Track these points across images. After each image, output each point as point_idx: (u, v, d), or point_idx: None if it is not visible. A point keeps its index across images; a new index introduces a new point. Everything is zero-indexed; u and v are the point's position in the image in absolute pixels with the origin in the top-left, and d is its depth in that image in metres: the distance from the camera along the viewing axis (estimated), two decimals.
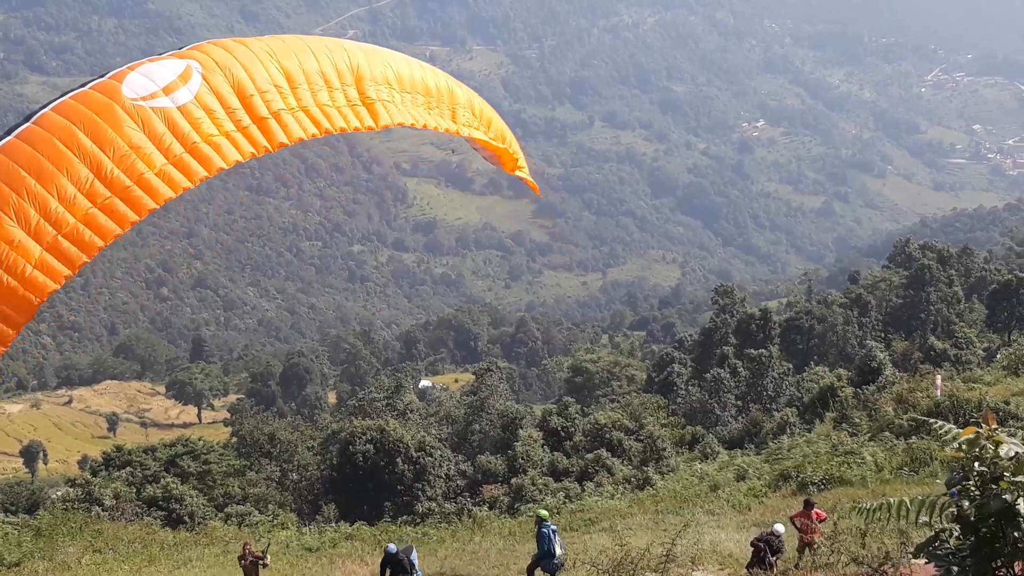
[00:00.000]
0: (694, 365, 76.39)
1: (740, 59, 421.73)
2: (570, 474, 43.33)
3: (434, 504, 42.87)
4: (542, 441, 48.61)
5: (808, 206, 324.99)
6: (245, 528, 33.94)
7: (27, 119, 7.76)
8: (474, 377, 76.92)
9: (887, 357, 56.57)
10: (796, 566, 17.23)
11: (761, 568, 16.64)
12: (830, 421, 42.64)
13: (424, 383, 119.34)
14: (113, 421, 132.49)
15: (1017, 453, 7.21)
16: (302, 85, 8.82)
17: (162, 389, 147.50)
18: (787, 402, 60.20)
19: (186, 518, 38.17)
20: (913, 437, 30.30)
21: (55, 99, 7.94)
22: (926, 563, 8.04)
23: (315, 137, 8.81)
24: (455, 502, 43.07)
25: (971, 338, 69.12)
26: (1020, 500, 7.03)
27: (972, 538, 7.31)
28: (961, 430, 7.69)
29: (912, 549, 12.40)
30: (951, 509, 7.47)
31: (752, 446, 46.68)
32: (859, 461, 28.31)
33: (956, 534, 7.47)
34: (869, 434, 34.81)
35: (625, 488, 37.03)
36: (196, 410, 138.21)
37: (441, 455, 49.25)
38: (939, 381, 38.11)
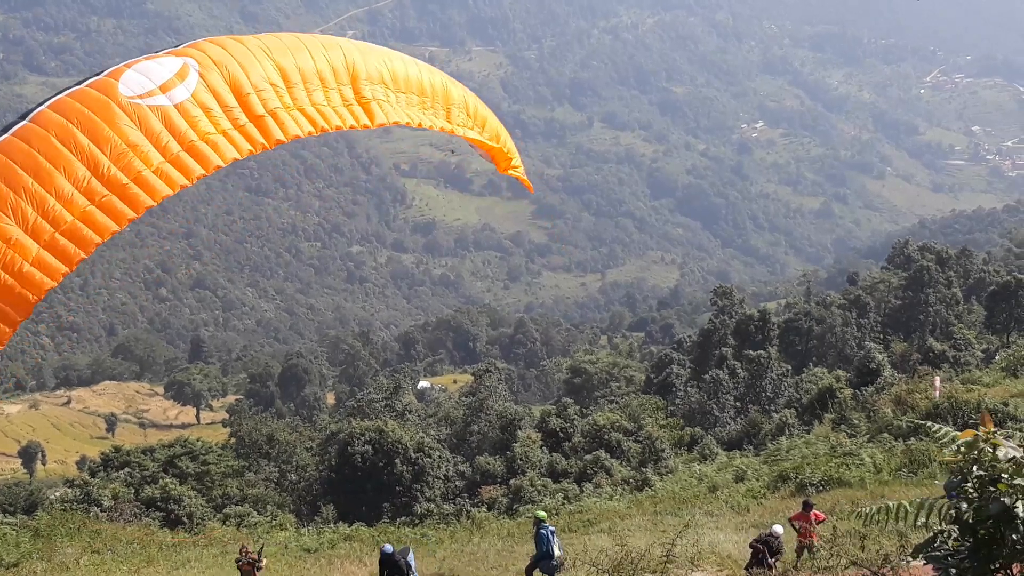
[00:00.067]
0: (693, 366, 76.34)
1: (739, 60, 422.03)
2: (569, 475, 43.35)
3: (433, 505, 42.88)
4: (541, 442, 48.58)
5: (807, 207, 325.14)
6: (244, 529, 33.89)
7: (23, 117, 7.74)
8: (473, 378, 76.93)
9: (886, 358, 56.66)
10: (795, 567, 17.22)
11: (760, 569, 16.63)
12: (829, 422, 42.62)
13: (423, 384, 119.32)
14: (112, 422, 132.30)
15: (1015, 456, 7.22)
16: (298, 84, 8.82)
17: (161, 390, 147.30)
18: (786, 403, 60.22)
19: (185, 519, 38.15)
20: (912, 438, 30.27)
21: (52, 97, 7.90)
22: (924, 565, 8.04)
23: (311, 135, 8.82)
24: (454, 503, 43.08)
25: (970, 339, 69.19)
26: (1018, 502, 7.05)
27: (970, 540, 7.31)
28: (959, 433, 7.70)
29: (911, 551, 12.38)
30: (950, 511, 7.46)
31: (751, 447, 46.77)
32: (858, 462, 28.29)
33: (955, 536, 7.47)
34: (868, 435, 34.81)
35: (624, 489, 37.02)
36: (195, 411, 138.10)
37: (440, 456, 49.23)
38: (938, 382, 38.05)
